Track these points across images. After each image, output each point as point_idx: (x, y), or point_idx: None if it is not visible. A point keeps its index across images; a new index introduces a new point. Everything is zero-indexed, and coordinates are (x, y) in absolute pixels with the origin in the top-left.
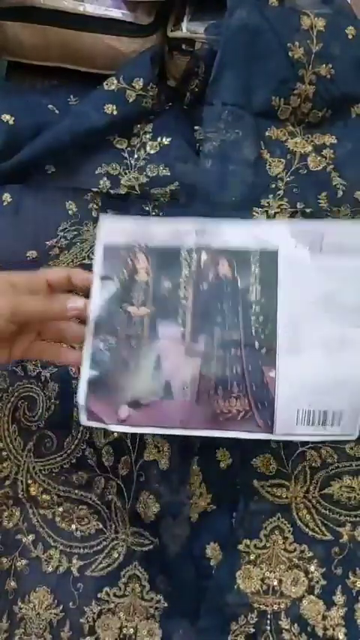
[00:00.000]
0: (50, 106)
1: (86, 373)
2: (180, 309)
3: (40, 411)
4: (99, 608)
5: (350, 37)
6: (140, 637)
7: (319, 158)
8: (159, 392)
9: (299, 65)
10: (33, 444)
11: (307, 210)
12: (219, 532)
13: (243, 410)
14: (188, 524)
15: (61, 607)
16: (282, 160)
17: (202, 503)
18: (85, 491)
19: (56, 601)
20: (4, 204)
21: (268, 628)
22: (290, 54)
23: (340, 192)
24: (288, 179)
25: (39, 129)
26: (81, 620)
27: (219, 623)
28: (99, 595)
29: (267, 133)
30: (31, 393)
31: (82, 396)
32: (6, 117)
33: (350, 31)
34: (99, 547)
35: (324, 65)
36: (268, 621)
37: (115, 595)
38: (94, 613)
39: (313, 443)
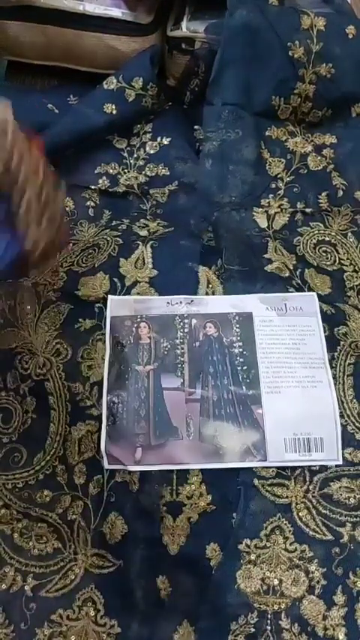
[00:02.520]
0: (50, 106)
1: (104, 424)
2: (178, 363)
3: (16, 424)
4: (50, 630)
5: (350, 36)
6: None
7: (319, 158)
8: (167, 434)
9: (299, 65)
10: (1, 456)
11: (308, 210)
12: (219, 532)
13: (240, 443)
14: (188, 526)
15: (12, 627)
16: (282, 159)
17: (201, 503)
18: (45, 510)
19: (7, 620)
20: None
21: (269, 628)
22: (290, 53)
23: (341, 192)
24: (288, 179)
25: (39, 128)
26: None
27: (219, 624)
28: (52, 617)
29: (267, 133)
30: (7, 405)
31: (102, 443)
32: None
33: (350, 30)
34: (55, 567)
35: (324, 64)
36: (269, 621)
37: (68, 618)
38: (45, 635)
39: None
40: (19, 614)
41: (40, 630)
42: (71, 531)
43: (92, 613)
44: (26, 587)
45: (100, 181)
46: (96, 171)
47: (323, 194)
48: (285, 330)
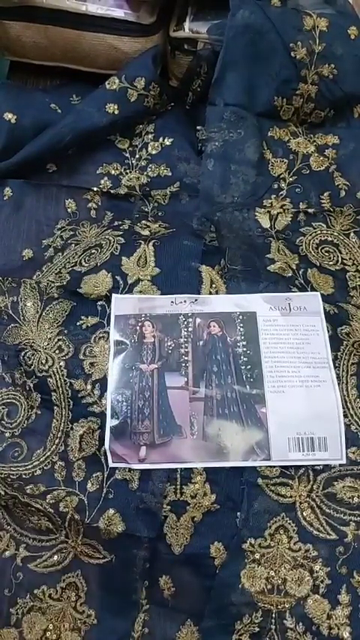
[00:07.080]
0: (53, 105)
1: (109, 422)
2: (182, 362)
3: (20, 419)
4: (31, 603)
5: (352, 37)
6: None
7: (321, 158)
8: (171, 433)
9: (302, 65)
10: (1, 450)
11: (310, 211)
12: (223, 532)
13: (243, 442)
14: (191, 526)
15: None
16: (284, 160)
17: (205, 502)
18: (35, 498)
19: None
20: (5, 198)
21: (273, 627)
22: (293, 54)
23: (343, 193)
24: (290, 179)
25: (41, 128)
26: (11, 610)
27: (223, 623)
28: (35, 591)
29: (269, 133)
30: (14, 400)
31: (107, 441)
32: (8, 115)
33: (352, 31)
34: (48, 544)
35: (326, 65)
36: (273, 620)
37: (50, 597)
38: (24, 606)
39: None
40: (5, 580)
41: (21, 600)
42: (62, 521)
43: (73, 598)
44: (17, 557)
45: (102, 182)
46: (98, 172)
47: (325, 194)
48: (289, 329)
